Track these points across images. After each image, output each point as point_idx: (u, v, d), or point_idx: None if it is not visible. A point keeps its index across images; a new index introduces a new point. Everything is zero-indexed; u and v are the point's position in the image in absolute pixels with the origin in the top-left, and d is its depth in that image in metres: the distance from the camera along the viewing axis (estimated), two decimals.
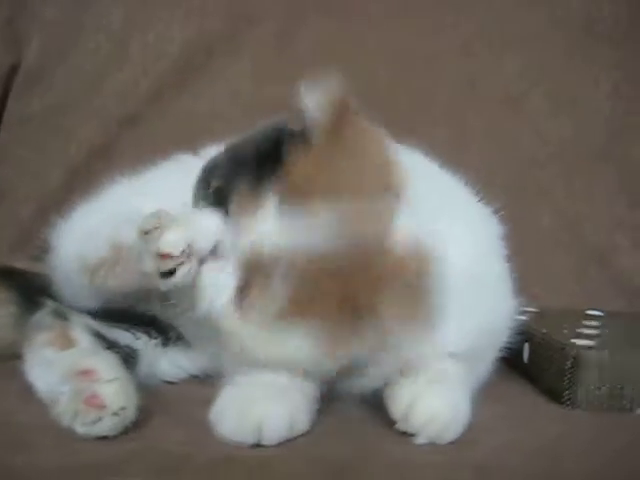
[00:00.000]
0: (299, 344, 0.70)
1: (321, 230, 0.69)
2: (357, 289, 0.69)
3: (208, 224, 0.74)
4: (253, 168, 0.75)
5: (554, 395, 0.90)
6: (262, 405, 0.70)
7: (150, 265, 0.70)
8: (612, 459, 0.74)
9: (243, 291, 0.72)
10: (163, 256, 0.70)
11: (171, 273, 0.70)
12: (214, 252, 0.73)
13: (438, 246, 0.74)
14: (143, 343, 0.86)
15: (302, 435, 0.72)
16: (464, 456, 0.70)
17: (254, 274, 0.71)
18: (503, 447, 0.73)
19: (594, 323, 1.08)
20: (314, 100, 0.77)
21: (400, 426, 0.75)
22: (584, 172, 1.37)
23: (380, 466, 0.66)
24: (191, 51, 1.38)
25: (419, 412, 0.74)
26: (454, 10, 1.39)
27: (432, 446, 0.72)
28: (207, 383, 0.86)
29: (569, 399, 0.88)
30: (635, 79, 1.38)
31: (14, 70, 1.38)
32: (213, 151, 0.90)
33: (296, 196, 0.71)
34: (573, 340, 0.92)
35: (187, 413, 0.75)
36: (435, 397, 0.75)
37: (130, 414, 0.69)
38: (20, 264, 1.01)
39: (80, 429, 0.68)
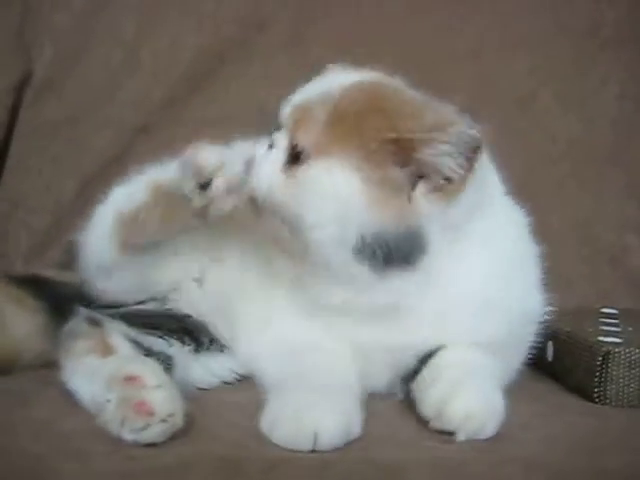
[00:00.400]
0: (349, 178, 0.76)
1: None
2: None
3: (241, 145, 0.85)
4: None
5: (584, 392, 0.91)
6: (317, 411, 0.71)
7: (188, 184, 0.78)
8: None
9: (292, 151, 0.81)
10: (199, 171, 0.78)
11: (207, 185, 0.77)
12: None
13: None
14: (176, 350, 0.86)
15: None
16: (509, 452, 0.71)
17: (296, 125, 0.82)
18: (544, 442, 0.74)
19: (612, 321, 1.09)
20: None
21: (434, 424, 0.76)
22: (594, 172, 1.38)
23: (429, 465, 0.67)
24: (203, 58, 1.38)
25: (454, 409, 0.74)
26: (464, 13, 1.40)
27: (475, 443, 0.73)
28: (240, 388, 0.88)
29: (600, 396, 0.89)
30: None
31: (26, 80, 1.37)
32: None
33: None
34: (600, 338, 0.93)
35: (228, 418, 0.76)
36: (469, 392, 0.76)
37: (178, 420, 0.70)
38: (46, 272, 1.01)
39: (128, 436, 0.68)
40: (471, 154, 0.78)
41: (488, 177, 0.86)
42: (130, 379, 0.70)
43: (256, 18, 1.39)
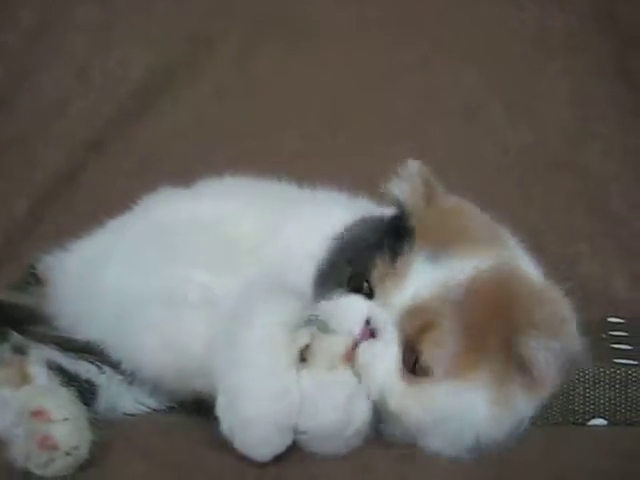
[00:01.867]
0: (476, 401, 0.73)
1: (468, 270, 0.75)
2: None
3: (356, 306, 0.76)
4: (376, 248, 0.78)
5: None
6: None
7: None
8: (559, 473, 0.76)
9: (410, 356, 0.75)
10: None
11: None
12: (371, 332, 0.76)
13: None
14: (107, 378, 0.87)
15: None
16: None
17: (419, 332, 0.74)
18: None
19: None
20: (403, 191, 0.83)
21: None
22: (544, 180, 1.39)
23: None
24: (153, 75, 1.40)
25: None
26: (410, 26, 1.41)
27: None
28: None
29: None
30: (590, 87, 1.40)
31: None
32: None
33: (436, 244, 0.77)
34: None
35: (145, 444, 0.77)
36: None
37: (83, 452, 0.70)
38: None
39: (35, 470, 0.69)
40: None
41: None
42: (37, 413, 0.70)
43: (205, 36, 1.41)
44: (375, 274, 0.76)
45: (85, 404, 0.80)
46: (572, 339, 0.75)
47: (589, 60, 1.40)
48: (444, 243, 0.77)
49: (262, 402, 0.70)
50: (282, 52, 1.39)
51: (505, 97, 1.40)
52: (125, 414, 0.88)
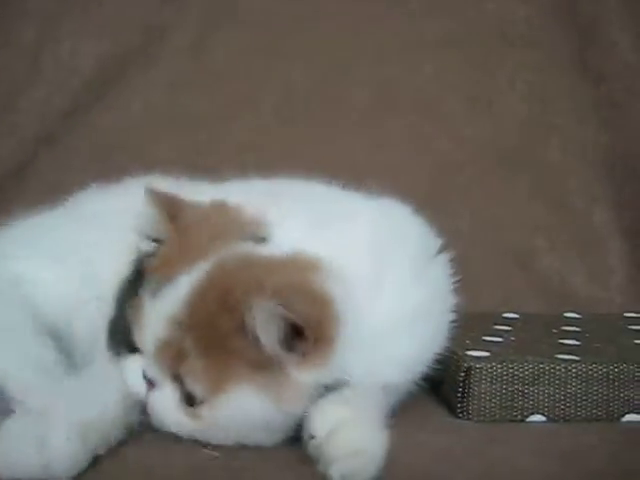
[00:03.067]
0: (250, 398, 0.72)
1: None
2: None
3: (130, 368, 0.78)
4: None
5: (449, 406, 0.90)
6: None
7: None
8: (487, 469, 0.74)
9: (183, 391, 0.75)
10: None
11: None
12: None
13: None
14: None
15: None
16: None
17: (174, 367, 0.74)
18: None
19: (505, 328, 1.08)
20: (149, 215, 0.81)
21: (314, 445, 0.72)
22: (501, 174, 1.38)
23: None
24: (105, 65, 1.37)
25: (342, 442, 0.71)
26: (368, 16, 1.39)
27: None
28: None
29: (462, 411, 0.88)
30: (549, 81, 1.39)
31: None
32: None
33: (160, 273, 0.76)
34: (469, 351, 0.92)
35: None
36: (352, 430, 0.73)
37: None
38: None
39: None
40: (298, 331, 0.72)
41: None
42: None
43: (158, 24, 1.38)
44: (133, 329, 0.77)
45: None
46: (295, 312, 0.70)
47: (548, 53, 1.39)
48: (164, 274, 0.76)
49: None
50: (236, 42, 1.37)
51: (463, 90, 1.39)
52: None
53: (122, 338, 0.79)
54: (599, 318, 1.20)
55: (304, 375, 0.73)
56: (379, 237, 0.83)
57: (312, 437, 0.72)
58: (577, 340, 1.01)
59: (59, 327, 0.83)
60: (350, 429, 0.72)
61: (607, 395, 0.88)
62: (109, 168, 1.35)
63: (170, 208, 0.80)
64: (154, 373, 0.76)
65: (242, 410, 0.73)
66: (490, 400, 0.87)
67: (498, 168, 1.38)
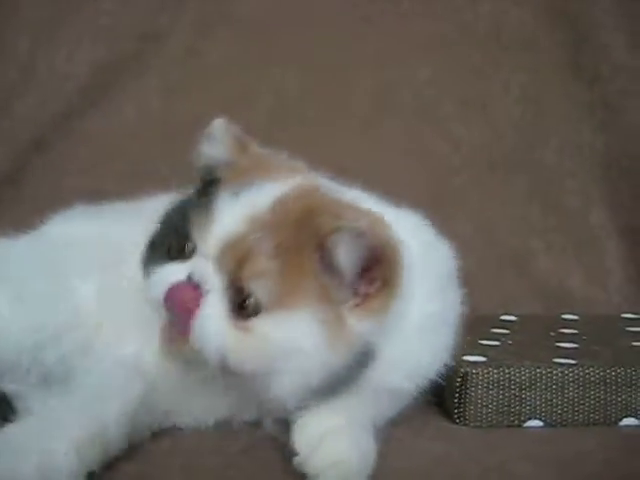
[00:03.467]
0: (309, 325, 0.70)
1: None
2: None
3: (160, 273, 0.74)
4: (190, 209, 0.76)
5: (447, 412, 0.90)
6: None
7: None
8: (484, 475, 0.74)
9: (237, 299, 0.71)
10: None
11: None
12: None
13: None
14: (28, 387, 0.84)
15: None
16: None
17: (238, 268, 0.70)
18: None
19: (502, 331, 1.08)
20: (215, 148, 0.80)
21: (299, 467, 0.71)
22: (497, 177, 1.38)
23: None
24: (99, 71, 1.37)
25: (322, 455, 0.70)
26: (362, 19, 1.39)
27: None
28: None
29: (459, 416, 0.88)
30: (543, 82, 1.39)
31: None
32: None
33: (239, 182, 0.75)
34: (466, 356, 0.92)
35: None
36: (338, 439, 0.72)
37: None
38: None
39: None
40: (374, 263, 0.71)
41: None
42: None
43: (152, 30, 1.38)
44: (193, 230, 0.73)
45: (4, 417, 0.77)
46: (378, 239, 0.70)
47: (543, 56, 1.39)
48: (247, 180, 0.75)
49: None
50: (230, 48, 1.37)
51: (458, 93, 1.38)
52: None
53: (164, 250, 0.75)
54: (597, 320, 1.19)
55: (359, 321, 0.72)
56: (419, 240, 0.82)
57: (295, 454, 0.72)
58: (574, 343, 1.01)
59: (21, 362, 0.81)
60: (332, 441, 0.71)
61: (604, 399, 0.88)
62: (103, 174, 1.37)
63: (241, 140, 0.80)
64: (209, 275, 0.71)
65: (295, 334, 0.70)
66: (487, 405, 0.87)
67: (494, 170, 1.38)
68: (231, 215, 0.72)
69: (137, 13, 1.38)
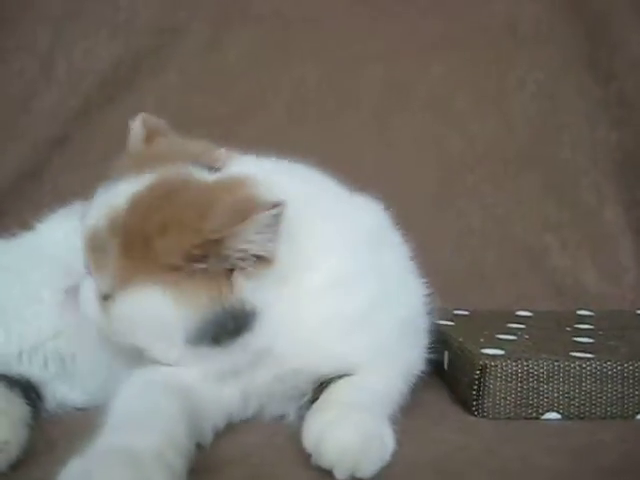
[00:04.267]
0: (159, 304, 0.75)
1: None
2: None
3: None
4: None
5: (465, 404, 0.91)
6: None
7: None
8: (502, 466, 0.75)
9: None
10: None
11: None
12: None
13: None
14: (53, 373, 0.86)
15: None
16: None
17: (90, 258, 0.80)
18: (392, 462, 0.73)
19: (518, 326, 1.09)
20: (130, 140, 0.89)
21: (314, 460, 0.72)
22: (512, 172, 1.39)
23: None
24: (118, 67, 1.38)
25: (329, 446, 0.71)
26: (380, 14, 1.40)
27: None
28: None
29: (477, 409, 0.89)
30: (559, 79, 1.39)
31: None
32: None
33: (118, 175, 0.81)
34: (484, 349, 0.93)
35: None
36: (346, 428, 0.73)
37: (14, 448, 0.70)
38: None
39: None
40: (276, 228, 0.75)
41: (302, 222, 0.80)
42: None
43: (170, 25, 1.39)
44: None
45: (31, 403, 0.80)
46: (266, 220, 0.73)
47: (558, 52, 1.40)
48: (124, 171, 0.81)
49: None
50: (247, 43, 1.38)
51: (473, 89, 1.39)
52: (77, 409, 0.87)
53: None
54: (612, 315, 1.20)
55: (236, 285, 0.75)
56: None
57: (309, 455, 0.73)
58: (591, 338, 1.02)
59: None
60: (334, 432, 0.72)
61: (622, 393, 0.89)
62: None
63: (151, 131, 0.87)
64: (85, 262, 0.81)
65: (142, 310, 0.76)
66: (505, 398, 0.88)
67: (509, 167, 1.38)
68: (99, 210, 0.79)
69: (155, 8, 1.39)
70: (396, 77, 1.39)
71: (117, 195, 0.78)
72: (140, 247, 0.75)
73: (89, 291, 0.81)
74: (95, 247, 0.78)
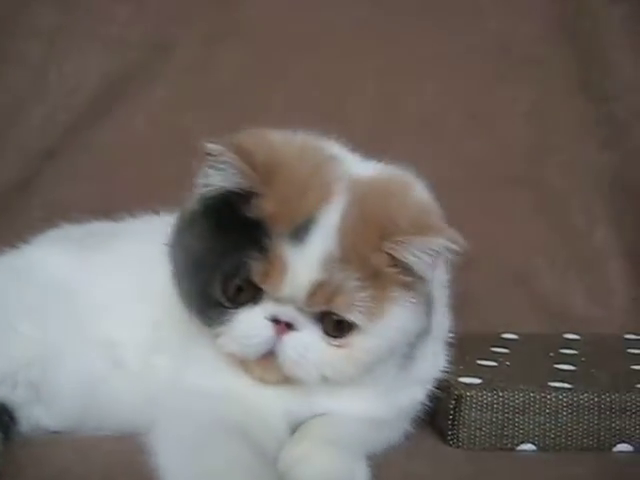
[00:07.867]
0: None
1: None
2: None
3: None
4: (231, 247, 0.78)
5: (442, 434, 0.91)
6: None
7: None
8: None
9: (328, 323, 0.79)
10: None
11: None
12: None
13: None
14: (27, 397, 0.85)
15: None
16: None
17: (329, 302, 0.77)
18: None
19: (502, 350, 1.09)
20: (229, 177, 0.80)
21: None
22: (501, 193, 1.37)
23: None
24: (109, 82, 1.38)
25: (298, 474, 0.72)
26: (370, 34, 1.39)
27: None
28: None
29: (453, 439, 0.89)
30: (551, 99, 1.39)
31: None
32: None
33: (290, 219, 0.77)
34: (462, 377, 0.93)
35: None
36: (319, 459, 0.74)
37: None
38: None
39: None
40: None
41: None
42: None
43: (161, 41, 1.39)
44: (254, 274, 0.76)
45: (1, 428, 0.80)
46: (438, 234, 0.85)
47: (549, 72, 1.39)
48: (296, 214, 0.77)
49: None
50: (239, 59, 1.38)
51: (464, 108, 1.38)
52: (52, 432, 0.87)
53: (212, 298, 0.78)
54: (599, 340, 1.19)
55: None
56: None
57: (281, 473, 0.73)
58: (573, 365, 1.02)
59: None
60: (312, 460, 0.73)
61: (598, 424, 0.89)
62: (112, 184, 1.38)
63: (251, 157, 0.80)
64: (297, 315, 0.77)
65: (387, 334, 0.79)
66: (480, 428, 0.88)
67: (498, 187, 1.37)
68: (303, 263, 0.76)
69: (146, 24, 1.39)
70: (387, 95, 1.38)
71: (327, 232, 0.76)
72: (374, 274, 0.77)
73: (307, 338, 0.78)
74: (323, 293, 0.76)
